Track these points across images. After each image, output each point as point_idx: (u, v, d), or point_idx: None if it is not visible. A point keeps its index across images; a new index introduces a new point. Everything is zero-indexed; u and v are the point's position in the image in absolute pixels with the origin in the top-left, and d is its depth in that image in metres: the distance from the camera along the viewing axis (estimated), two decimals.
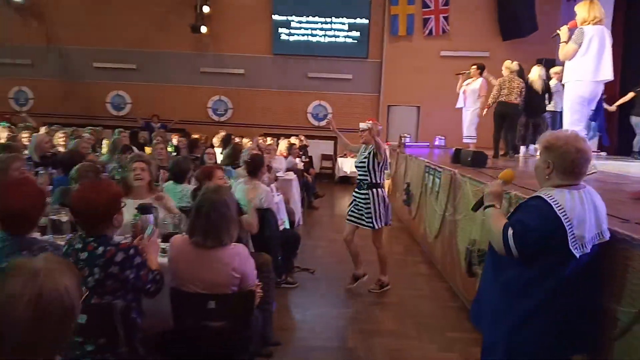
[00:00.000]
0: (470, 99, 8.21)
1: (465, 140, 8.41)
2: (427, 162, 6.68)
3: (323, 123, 13.58)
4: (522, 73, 7.67)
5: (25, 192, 2.31)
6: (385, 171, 4.99)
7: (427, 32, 12.74)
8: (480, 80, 8.14)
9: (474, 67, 8.28)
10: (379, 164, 4.72)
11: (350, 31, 13.09)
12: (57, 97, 13.62)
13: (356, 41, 13.12)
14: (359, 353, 3.70)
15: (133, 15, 13.15)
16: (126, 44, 13.29)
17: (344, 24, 13.07)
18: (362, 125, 4.80)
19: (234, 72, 13.51)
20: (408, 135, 11.39)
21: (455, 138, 10.38)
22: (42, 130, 8.62)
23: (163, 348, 2.40)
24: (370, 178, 4.75)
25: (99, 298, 2.16)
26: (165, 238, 3.16)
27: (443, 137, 11.42)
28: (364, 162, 4.77)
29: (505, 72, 7.42)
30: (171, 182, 4.78)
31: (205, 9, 12.77)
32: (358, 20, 13.01)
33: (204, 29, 12.91)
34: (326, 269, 5.73)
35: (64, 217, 2.95)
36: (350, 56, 13.19)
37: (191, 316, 2.41)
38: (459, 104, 8.47)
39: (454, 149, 6.60)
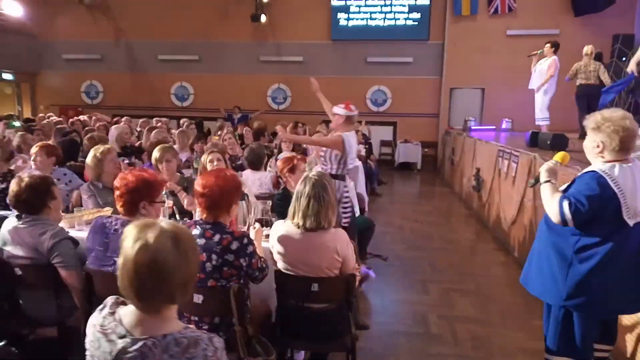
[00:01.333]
0: (540, 79, 7.86)
1: (538, 123, 8.05)
2: (501, 147, 6.47)
3: (382, 109, 13.47)
4: (600, 56, 7.98)
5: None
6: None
7: (492, 10, 12.23)
8: (550, 59, 7.75)
9: (548, 44, 7.88)
10: (336, 155, 4.25)
11: (411, 13, 12.78)
12: (125, 90, 14.23)
13: (417, 23, 12.80)
14: (445, 339, 3.68)
15: (195, 7, 13.45)
16: (188, 36, 13.63)
17: (404, 5, 12.77)
18: (336, 110, 4.41)
19: (293, 60, 13.57)
20: (473, 119, 11.05)
21: (523, 120, 9.99)
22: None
23: (269, 328, 2.48)
24: (329, 168, 4.31)
25: (214, 282, 2.26)
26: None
27: (510, 120, 10.99)
28: (324, 150, 4.37)
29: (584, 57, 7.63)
30: (249, 170, 4.90)
31: None
32: (419, 2, 12.68)
33: (263, 18, 13.03)
34: (398, 255, 5.72)
35: (169, 203, 3.09)
36: (411, 39, 12.90)
37: (295, 298, 2.47)
38: (531, 85, 8.12)
39: (529, 132, 6.33)
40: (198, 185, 2.36)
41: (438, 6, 12.72)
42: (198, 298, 2.18)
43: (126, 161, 5.39)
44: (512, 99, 11.28)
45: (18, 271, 2.57)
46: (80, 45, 14.20)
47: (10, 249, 2.60)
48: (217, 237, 2.27)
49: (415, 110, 13.25)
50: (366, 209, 6.94)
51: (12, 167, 4.44)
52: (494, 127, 11.01)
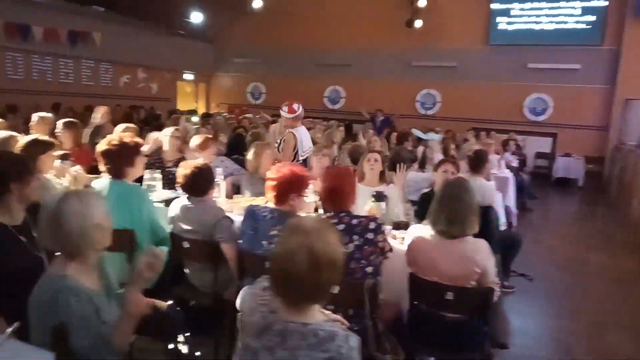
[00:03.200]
0: None
1: None
2: None
3: (541, 118, 12.50)
4: None
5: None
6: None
7: None
8: None
9: None
10: (292, 147, 4.98)
11: (584, 15, 11.64)
12: (284, 92, 15.23)
13: (590, 26, 11.60)
14: None
15: (352, 16, 13.94)
16: (343, 42, 14.16)
17: (575, 8, 11.69)
18: (282, 114, 5.13)
19: (446, 65, 13.28)
20: None
21: None
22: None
23: (400, 328, 2.52)
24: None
25: (356, 263, 2.41)
26: (395, 226, 3.29)
27: None
28: (276, 146, 5.13)
29: None
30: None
31: (422, 3, 12.79)
32: (594, 3, 11.49)
33: (418, 23, 12.97)
34: (545, 277, 5.29)
35: (310, 198, 3.29)
36: (580, 44, 11.74)
37: (428, 304, 2.47)
38: None
39: None
40: (322, 185, 2.59)
41: (618, 8, 11.35)
42: (335, 288, 2.30)
43: None
44: None
45: (185, 244, 2.99)
46: (249, 50, 15.65)
47: (180, 224, 3.04)
48: (355, 221, 2.47)
49: (580, 121, 12.02)
50: (514, 223, 6.54)
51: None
52: None
